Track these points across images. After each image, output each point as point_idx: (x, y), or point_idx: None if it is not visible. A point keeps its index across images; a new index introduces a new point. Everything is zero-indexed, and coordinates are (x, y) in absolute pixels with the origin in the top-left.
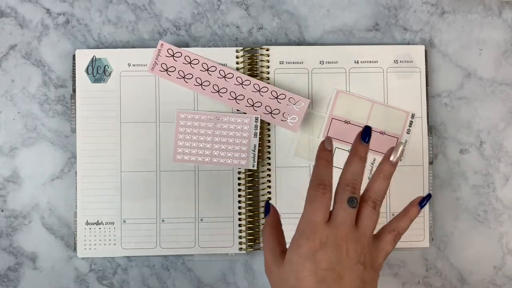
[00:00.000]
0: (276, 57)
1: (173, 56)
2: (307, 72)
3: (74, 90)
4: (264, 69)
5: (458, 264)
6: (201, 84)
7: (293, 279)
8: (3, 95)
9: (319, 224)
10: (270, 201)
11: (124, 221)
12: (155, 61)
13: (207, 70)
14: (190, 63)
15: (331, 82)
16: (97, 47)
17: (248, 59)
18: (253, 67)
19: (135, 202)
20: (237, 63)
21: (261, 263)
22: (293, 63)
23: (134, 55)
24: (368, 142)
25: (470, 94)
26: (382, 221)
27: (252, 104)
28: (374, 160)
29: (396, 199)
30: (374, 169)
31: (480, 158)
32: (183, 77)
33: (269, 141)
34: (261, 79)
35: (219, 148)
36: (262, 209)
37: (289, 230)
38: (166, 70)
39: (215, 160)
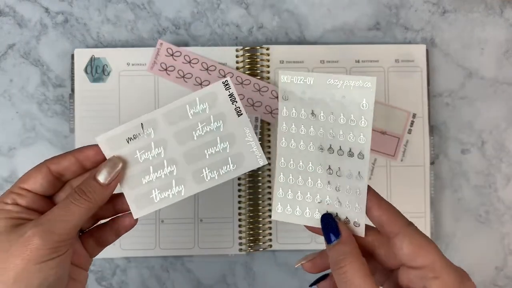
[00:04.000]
0: (276, 56)
1: (172, 55)
2: (307, 71)
3: (72, 90)
4: (264, 69)
5: (460, 264)
6: (200, 84)
7: None
8: (1, 94)
9: None
10: (271, 201)
11: None
12: (154, 60)
13: (207, 69)
14: (189, 62)
15: None
16: (96, 46)
17: (248, 58)
18: (253, 66)
19: None
20: (237, 62)
21: (261, 264)
22: (294, 62)
23: (133, 55)
24: (336, 237)
25: (472, 93)
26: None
27: (252, 103)
28: (375, 160)
29: (397, 199)
30: (375, 169)
31: (481, 158)
32: (183, 77)
33: (269, 141)
34: (261, 78)
35: None
36: (262, 209)
37: (289, 230)
38: (166, 70)
39: None
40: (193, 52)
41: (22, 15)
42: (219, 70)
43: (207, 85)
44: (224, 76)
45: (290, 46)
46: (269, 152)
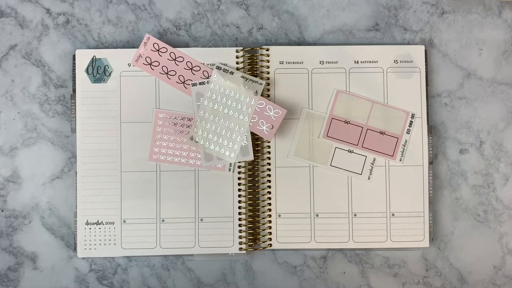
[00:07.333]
0: (276, 57)
1: (158, 50)
2: (307, 72)
3: (74, 90)
4: (264, 69)
5: (458, 264)
6: (183, 82)
7: None
8: (3, 95)
9: None
10: (270, 201)
11: (124, 221)
12: (140, 54)
13: (191, 69)
14: (174, 60)
15: (331, 82)
16: (97, 47)
17: (248, 59)
18: (253, 67)
19: (135, 202)
20: (237, 63)
21: (261, 263)
22: (293, 63)
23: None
24: None
25: (470, 94)
26: (381, 221)
27: (166, 72)
28: (374, 160)
29: (396, 199)
30: (374, 169)
31: (480, 158)
32: (166, 73)
33: (269, 141)
34: (262, 79)
35: (196, 150)
36: (262, 209)
37: (289, 230)
38: (150, 64)
39: (191, 162)
40: (179, 51)
41: (24, 16)
42: (203, 71)
43: (190, 84)
44: (207, 78)
45: (290, 47)
46: (269, 152)
